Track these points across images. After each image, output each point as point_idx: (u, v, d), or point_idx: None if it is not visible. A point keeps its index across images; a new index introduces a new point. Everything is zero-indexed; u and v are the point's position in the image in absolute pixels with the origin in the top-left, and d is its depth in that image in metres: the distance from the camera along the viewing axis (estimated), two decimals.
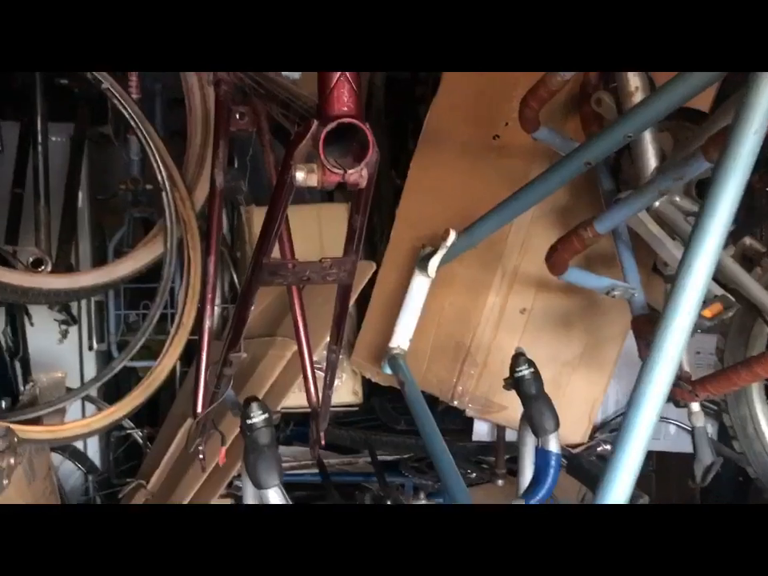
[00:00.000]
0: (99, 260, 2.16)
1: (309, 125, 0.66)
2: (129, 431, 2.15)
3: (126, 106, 1.72)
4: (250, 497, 1.09)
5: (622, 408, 1.92)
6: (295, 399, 1.69)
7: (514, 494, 1.33)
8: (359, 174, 0.66)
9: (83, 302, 2.13)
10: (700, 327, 1.17)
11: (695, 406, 1.46)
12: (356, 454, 2.01)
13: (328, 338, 1.74)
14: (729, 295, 1.26)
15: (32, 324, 2.02)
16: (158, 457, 1.86)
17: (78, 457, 2.12)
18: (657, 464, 1.97)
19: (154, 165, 1.75)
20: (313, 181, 0.66)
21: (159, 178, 1.76)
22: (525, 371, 1.29)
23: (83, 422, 1.63)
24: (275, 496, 1.03)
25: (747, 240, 1.37)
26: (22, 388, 1.78)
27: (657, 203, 1.32)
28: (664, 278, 1.48)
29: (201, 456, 1.24)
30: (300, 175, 0.66)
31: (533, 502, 1.24)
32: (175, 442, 1.80)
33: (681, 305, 0.92)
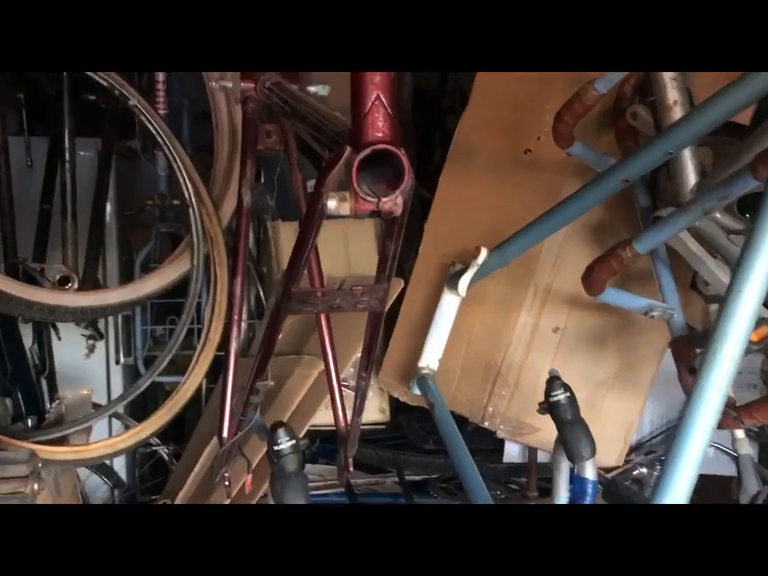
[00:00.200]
0: (126, 275, 2.15)
1: (341, 151, 0.63)
2: (155, 448, 2.14)
3: (153, 122, 1.71)
4: None
5: (658, 429, 1.86)
6: (322, 417, 1.66)
7: None
8: (394, 203, 0.63)
9: (110, 317, 2.12)
10: (746, 351, 1.12)
11: (740, 433, 1.41)
12: (383, 474, 1.97)
13: (355, 356, 1.74)
14: None
15: (59, 338, 2.02)
16: (183, 475, 1.84)
17: (105, 471, 2.11)
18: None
19: (181, 181, 1.74)
20: (345, 209, 0.63)
21: (186, 194, 1.75)
22: (560, 395, 1.24)
23: (108, 442, 1.62)
24: None
25: None
26: (48, 405, 1.77)
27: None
28: (705, 297, 1.43)
29: (226, 483, 1.21)
30: (332, 204, 0.63)
31: None
32: (201, 461, 1.78)
33: (730, 332, 0.87)
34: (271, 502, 1.08)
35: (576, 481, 1.24)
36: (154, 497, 1.97)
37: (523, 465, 1.80)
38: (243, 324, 2.04)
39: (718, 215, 1.30)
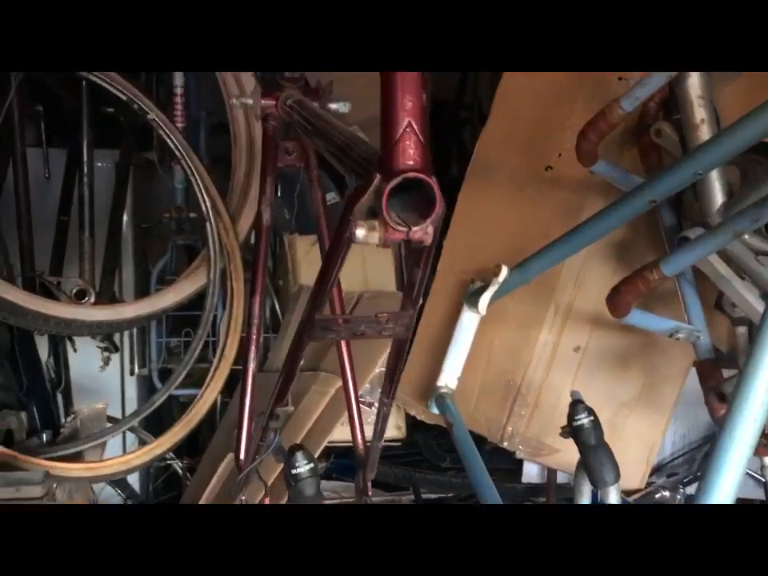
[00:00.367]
0: (142, 287, 2.15)
1: (371, 178, 0.61)
2: (169, 461, 2.12)
3: (172, 136, 1.71)
4: None
5: (679, 450, 1.83)
6: (338, 433, 1.64)
7: None
8: (424, 232, 0.61)
9: None
10: None
11: None
12: (399, 492, 1.94)
13: (373, 373, 1.72)
14: None
15: (75, 350, 2.02)
16: (198, 491, 1.82)
17: (119, 483, 2.10)
18: None
19: (199, 196, 1.73)
20: (374, 239, 0.61)
21: (203, 208, 1.74)
22: (584, 420, 1.22)
23: (123, 459, 1.61)
24: None
25: None
26: (63, 420, 1.76)
27: None
28: (732, 319, 1.40)
29: None
30: (360, 233, 0.61)
31: None
32: (215, 477, 1.76)
33: (765, 361, 0.85)
34: None
35: None
36: None
37: (542, 485, 1.77)
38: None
39: (746, 236, 1.27)
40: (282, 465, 1.10)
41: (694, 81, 1.29)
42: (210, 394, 1.75)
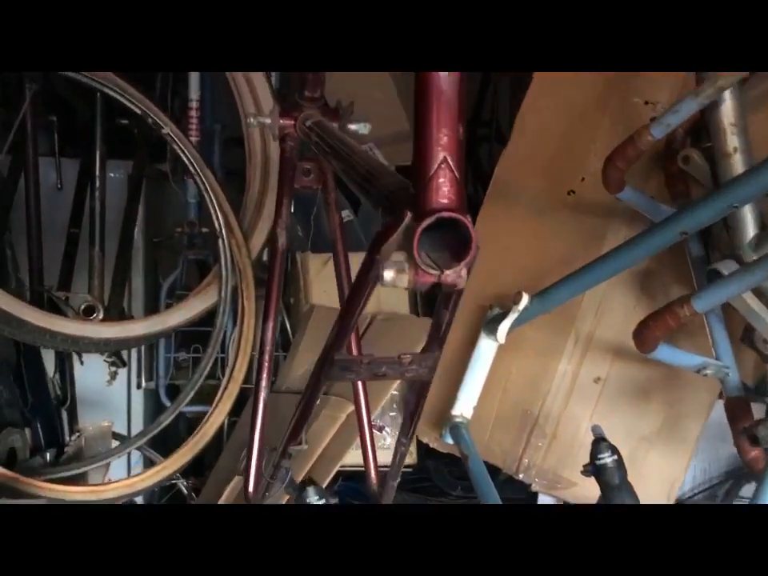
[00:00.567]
0: (152, 299, 2.12)
1: (401, 216, 0.57)
2: (174, 481, 2.08)
3: (186, 151, 1.68)
4: None
5: (700, 485, 1.77)
6: (349, 457, 1.60)
7: None
8: (458, 275, 0.57)
9: None
10: None
11: None
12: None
13: (386, 398, 1.68)
14: None
15: (81, 363, 1.99)
16: None
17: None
18: None
19: (212, 212, 1.71)
20: (403, 282, 0.57)
21: (216, 225, 1.71)
22: (607, 459, 1.17)
23: (127, 482, 1.57)
24: None
25: None
26: (68, 438, 1.72)
27: None
28: (762, 356, 1.35)
29: None
30: (389, 275, 0.57)
31: None
32: (222, 500, 1.72)
33: None
34: None
35: None
36: None
37: None
38: None
39: None
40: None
41: (728, 108, 1.25)
42: (217, 415, 1.71)
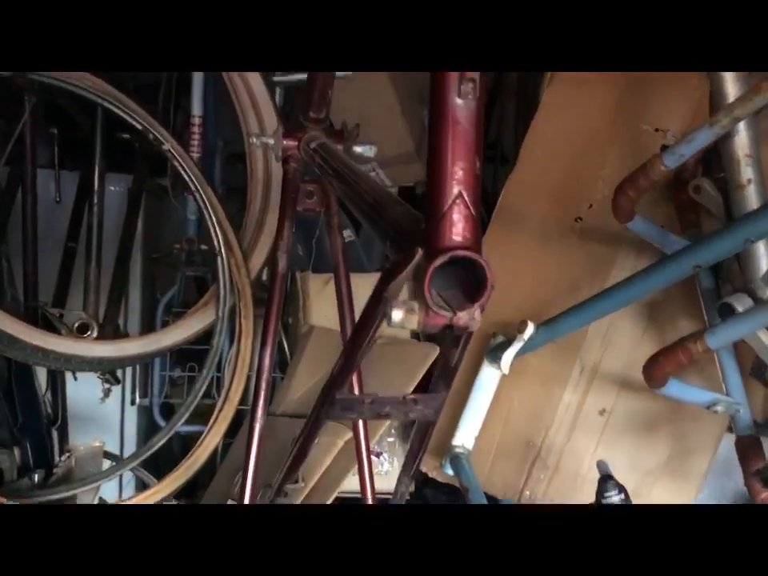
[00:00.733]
0: (148, 314, 2.09)
1: (412, 252, 0.54)
2: (166, 503, 2.03)
3: (187, 168, 1.65)
4: None
5: None
6: (347, 483, 1.56)
7: None
8: (471, 317, 0.54)
9: None
10: None
11: None
12: None
13: (384, 427, 1.64)
14: None
15: (75, 378, 1.95)
16: None
17: None
18: None
19: (212, 230, 1.67)
20: (412, 323, 0.53)
21: (216, 243, 1.68)
22: (614, 497, 1.13)
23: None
24: None
25: None
26: (57, 459, 1.68)
27: None
28: None
29: None
30: (397, 315, 0.53)
31: None
32: None
33: None
34: None
35: None
36: None
37: None
38: None
39: None
40: None
41: (742, 138, 1.22)
42: (212, 438, 1.67)
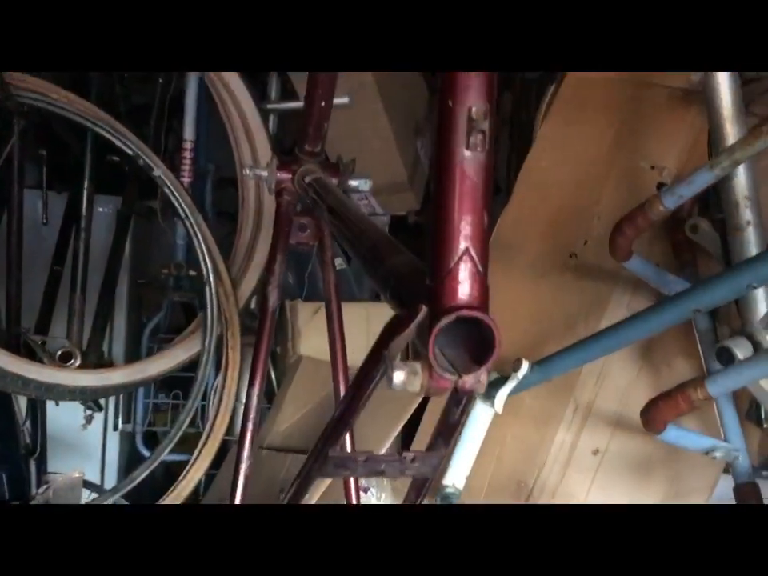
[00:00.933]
0: (133, 339, 2.04)
1: (415, 309, 0.51)
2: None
3: (177, 194, 1.63)
4: None
5: None
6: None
7: None
8: (477, 380, 0.51)
9: None
10: None
11: None
12: None
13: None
14: None
15: (57, 404, 1.90)
16: None
17: None
18: None
19: (200, 258, 1.65)
20: (415, 386, 0.50)
21: (204, 271, 1.65)
22: None
23: None
24: None
25: None
26: (34, 491, 1.63)
27: None
28: None
29: None
30: (399, 377, 0.50)
31: None
32: None
33: None
34: None
35: None
36: None
37: None
38: None
39: None
40: None
41: (741, 180, 1.21)
42: (195, 472, 1.63)
